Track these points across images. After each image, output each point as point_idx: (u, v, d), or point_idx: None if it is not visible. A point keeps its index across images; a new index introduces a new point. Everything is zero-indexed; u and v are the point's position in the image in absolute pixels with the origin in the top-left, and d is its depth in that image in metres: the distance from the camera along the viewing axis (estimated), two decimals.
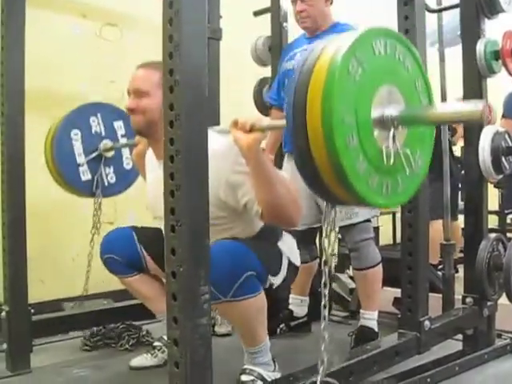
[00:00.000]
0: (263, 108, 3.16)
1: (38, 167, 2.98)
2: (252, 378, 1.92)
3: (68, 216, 3.38)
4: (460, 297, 2.37)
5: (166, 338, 1.34)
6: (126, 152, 2.84)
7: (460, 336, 2.35)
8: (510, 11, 2.40)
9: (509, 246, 2.31)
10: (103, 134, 2.77)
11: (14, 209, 2.25)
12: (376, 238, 4.07)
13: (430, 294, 2.13)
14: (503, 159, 2.32)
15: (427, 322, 2.00)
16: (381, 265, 2.56)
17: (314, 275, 2.81)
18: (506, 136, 2.36)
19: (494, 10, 2.36)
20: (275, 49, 3.19)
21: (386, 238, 4.99)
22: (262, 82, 3.30)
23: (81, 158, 2.70)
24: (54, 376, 2.22)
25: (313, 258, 2.77)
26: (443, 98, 2.82)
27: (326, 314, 1.46)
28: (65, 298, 3.22)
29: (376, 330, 2.53)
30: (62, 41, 3.24)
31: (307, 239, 2.72)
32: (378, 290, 2.60)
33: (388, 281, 2.60)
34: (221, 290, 1.74)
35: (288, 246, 2.05)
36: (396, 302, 2.72)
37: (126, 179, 2.84)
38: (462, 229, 4.12)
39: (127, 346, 2.55)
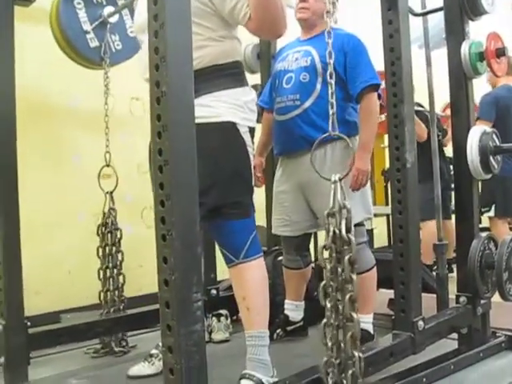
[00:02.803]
0: None
1: (33, 180, 3.00)
2: (252, 382, 1.95)
3: (63, 228, 3.40)
4: (454, 296, 2.40)
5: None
6: (128, 21, 2.96)
7: (455, 335, 2.37)
8: (493, 12, 2.43)
9: (499, 244, 2.33)
10: (104, 2, 2.91)
11: (8, 221, 2.25)
12: (370, 241, 4.11)
13: (425, 295, 2.13)
14: (491, 158, 2.34)
15: (421, 323, 2.01)
16: (375, 268, 2.57)
17: (309, 280, 2.84)
18: (494, 136, 2.39)
19: (477, 11, 2.38)
20: (264, 56, 3.22)
21: (381, 240, 5.02)
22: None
23: (87, 25, 2.83)
24: None
25: (306, 264, 2.78)
26: (431, 99, 2.85)
27: None
28: (61, 309, 3.23)
29: (371, 332, 2.54)
30: (52, 54, 3.26)
31: (301, 245, 2.74)
32: (373, 293, 2.61)
33: (383, 282, 2.61)
34: (235, 253, 2.02)
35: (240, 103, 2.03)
36: (390, 303, 2.74)
37: (131, 46, 2.91)
38: None
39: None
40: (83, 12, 2.83)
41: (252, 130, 2.09)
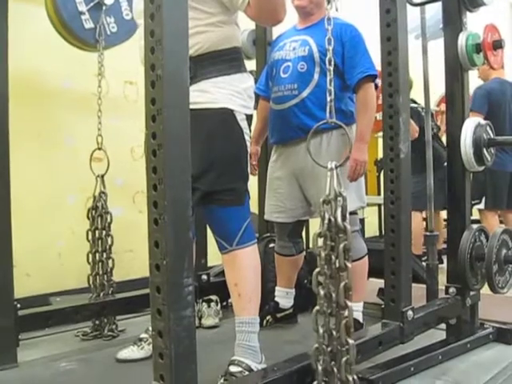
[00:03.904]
0: None
1: (24, 161, 2.98)
2: (240, 369, 1.95)
3: (54, 210, 3.38)
4: (443, 287, 2.41)
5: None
6: (124, 3, 2.97)
7: (443, 325, 2.39)
8: (491, 4, 2.42)
9: (490, 236, 2.34)
10: None
11: None
12: (362, 230, 4.11)
13: (414, 285, 2.15)
14: (485, 151, 2.35)
15: (410, 312, 2.02)
16: (367, 257, 2.58)
17: (300, 267, 2.84)
18: (488, 128, 2.39)
19: (475, 3, 2.38)
20: (260, 42, 3.21)
21: (372, 229, 5.04)
22: None
23: (82, 6, 2.82)
24: (41, 370, 2.23)
25: (299, 251, 2.78)
26: (426, 90, 2.85)
27: None
28: (51, 292, 3.22)
29: (361, 320, 2.55)
30: (45, 35, 3.23)
31: (294, 232, 2.75)
32: (364, 281, 2.62)
33: (373, 272, 2.63)
34: (228, 240, 2.02)
35: (240, 89, 2.02)
36: (380, 292, 2.76)
37: (126, 29, 2.93)
38: (445, 220, 4.23)
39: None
40: None
41: (249, 117, 2.08)
